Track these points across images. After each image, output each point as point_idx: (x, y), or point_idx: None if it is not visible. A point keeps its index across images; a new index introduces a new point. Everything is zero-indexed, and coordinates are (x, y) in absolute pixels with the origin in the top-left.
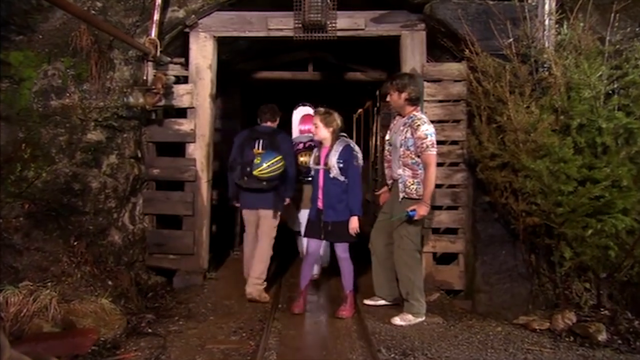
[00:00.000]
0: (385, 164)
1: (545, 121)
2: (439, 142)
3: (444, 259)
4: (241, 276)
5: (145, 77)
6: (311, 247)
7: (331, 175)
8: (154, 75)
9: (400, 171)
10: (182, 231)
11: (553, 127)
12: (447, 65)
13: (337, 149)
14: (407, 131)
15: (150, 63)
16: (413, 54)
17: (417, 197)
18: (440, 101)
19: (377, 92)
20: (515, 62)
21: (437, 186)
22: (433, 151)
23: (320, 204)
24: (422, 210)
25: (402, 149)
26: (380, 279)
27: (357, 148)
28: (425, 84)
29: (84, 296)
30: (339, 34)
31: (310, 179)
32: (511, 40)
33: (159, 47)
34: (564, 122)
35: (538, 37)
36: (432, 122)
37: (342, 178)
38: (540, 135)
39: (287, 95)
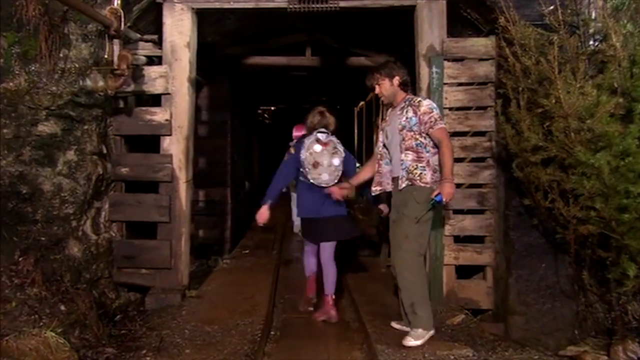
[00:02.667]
0: (376, 167)
1: (606, 105)
2: (460, 134)
3: (462, 271)
4: (229, 292)
5: (107, 56)
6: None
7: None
8: (118, 54)
9: (402, 156)
10: (156, 241)
11: (612, 111)
12: (472, 41)
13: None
14: (407, 111)
15: (115, 40)
16: (431, 27)
17: (422, 185)
18: (462, 84)
19: None
20: (562, 33)
21: (457, 186)
22: (442, 124)
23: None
24: (447, 189)
25: (404, 132)
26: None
27: None
28: (446, 63)
29: (23, 328)
30: (342, 4)
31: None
32: (556, 5)
33: (123, 18)
34: (625, 105)
35: (586, 2)
36: (452, 109)
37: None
38: (599, 122)
39: (281, 84)
